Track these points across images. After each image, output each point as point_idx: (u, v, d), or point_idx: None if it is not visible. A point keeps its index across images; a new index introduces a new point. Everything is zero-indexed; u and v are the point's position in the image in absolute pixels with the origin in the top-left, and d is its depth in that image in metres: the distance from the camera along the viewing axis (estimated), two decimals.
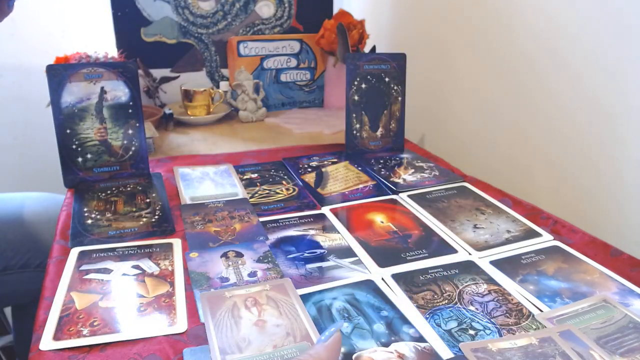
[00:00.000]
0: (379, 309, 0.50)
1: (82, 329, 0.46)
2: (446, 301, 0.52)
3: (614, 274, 0.57)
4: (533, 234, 0.66)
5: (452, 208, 0.72)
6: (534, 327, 0.48)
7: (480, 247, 0.62)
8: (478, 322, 0.49)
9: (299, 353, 0.42)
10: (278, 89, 1.24)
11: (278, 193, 0.76)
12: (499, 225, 0.68)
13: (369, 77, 0.91)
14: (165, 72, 1.17)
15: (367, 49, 1.23)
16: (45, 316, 0.48)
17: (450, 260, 0.59)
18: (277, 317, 0.48)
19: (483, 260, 0.60)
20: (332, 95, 1.26)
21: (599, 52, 0.73)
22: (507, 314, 0.50)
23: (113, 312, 0.49)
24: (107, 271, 0.55)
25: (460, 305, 0.51)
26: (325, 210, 0.72)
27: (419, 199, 0.75)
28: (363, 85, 0.91)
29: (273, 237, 0.64)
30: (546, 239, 0.65)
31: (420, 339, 0.46)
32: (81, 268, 0.56)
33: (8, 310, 1.12)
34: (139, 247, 0.60)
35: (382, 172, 0.84)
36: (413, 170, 0.85)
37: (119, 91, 0.77)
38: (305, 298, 0.51)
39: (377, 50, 1.22)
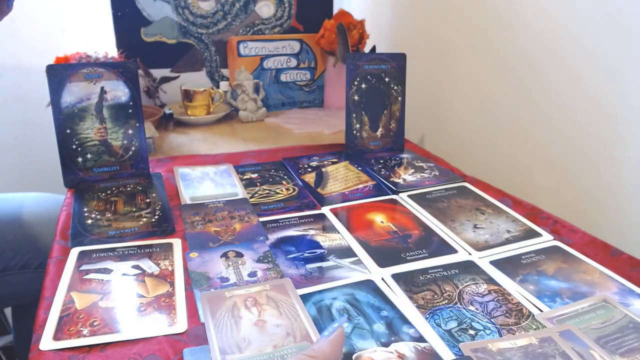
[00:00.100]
0: (379, 309, 0.50)
1: (82, 329, 0.46)
2: (446, 301, 0.52)
3: (614, 274, 0.57)
4: (533, 234, 0.66)
5: (452, 208, 0.73)
6: (534, 327, 0.48)
7: (480, 247, 0.62)
8: (478, 322, 0.49)
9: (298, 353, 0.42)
10: (278, 89, 1.24)
11: (278, 193, 0.76)
12: (499, 225, 0.68)
13: (369, 77, 0.91)
14: (165, 72, 1.17)
15: (367, 49, 1.23)
16: (45, 316, 0.48)
17: (450, 260, 0.59)
18: (277, 317, 0.48)
19: (483, 260, 0.60)
20: (332, 95, 1.26)
21: (599, 52, 0.73)
22: (507, 314, 0.50)
23: (113, 312, 0.49)
24: (107, 271, 0.55)
25: (460, 305, 0.51)
26: (325, 210, 0.72)
27: (419, 199, 0.75)
28: (363, 85, 0.91)
29: (273, 237, 0.64)
30: (546, 239, 0.65)
31: (420, 339, 0.46)
32: (81, 268, 0.56)
33: (8, 311, 1.12)
34: (139, 247, 0.60)
35: (382, 172, 0.84)
36: (413, 170, 0.85)
37: (119, 91, 0.77)
38: (305, 298, 0.51)
39: (377, 50, 1.22)
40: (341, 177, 0.83)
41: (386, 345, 0.45)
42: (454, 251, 0.62)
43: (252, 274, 0.56)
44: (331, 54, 1.22)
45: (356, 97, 0.91)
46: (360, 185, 0.80)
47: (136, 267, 0.56)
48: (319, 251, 0.61)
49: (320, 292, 0.53)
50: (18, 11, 1.24)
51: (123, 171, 0.79)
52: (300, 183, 0.80)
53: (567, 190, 0.82)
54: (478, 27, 0.98)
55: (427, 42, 1.15)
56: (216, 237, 0.63)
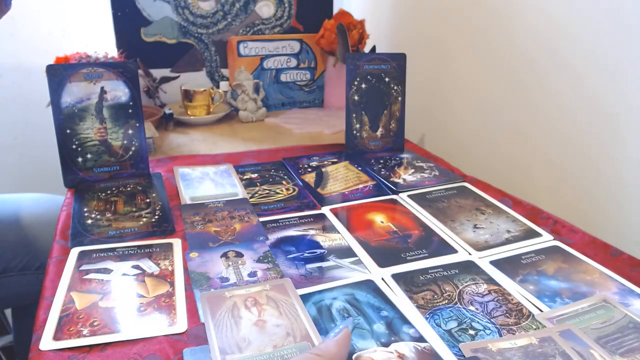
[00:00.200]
0: (379, 309, 0.50)
1: (82, 329, 0.46)
2: (446, 301, 0.52)
3: (614, 274, 0.57)
4: (533, 234, 0.66)
5: (452, 208, 0.73)
6: (534, 327, 0.48)
7: (480, 247, 0.62)
8: (478, 322, 0.49)
9: (298, 353, 0.42)
10: (278, 89, 1.24)
11: (278, 193, 0.76)
12: (499, 225, 0.68)
13: (369, 77, 0.91)
14: (165, 72, 1.17)
15: (367, 49, 1.23)
16: (45, 316, 0.48)
17: (450, 260, 0.59)
18: (277, 317, 0.48)
19: (483, 260, 0.60)
20: (332, 95, 1.27)
21: (599, 52, 0.73)
22: (507, 314, 0.50)
23: (113, 312, 0.49)
24: (107, 271, 0.55)
25: (460, 305, 0.51)
26: (325, 210, 0.72)
27: (419, 199, 0.75)
28: (363, 85, 0.91)
29: (273, 237, 0.64)
30: (546, 239, 0.65)
31: (420, 339, 0.46)
32: (81, 268, 0.56)
33: (8, 311, 1.12)
34: (139, 247, 0.60)
35: (382, 172, 0.84)
36: (413, 170, 0.85)
37: (119, 91, 0.77)
38: (305, 298, 0.51)
39: (377, 50, 1.22)
40: (341, 177, 0.83)
41: (386, 345, 0.45)
42: (454, 251, 0.62)
43: (252, 274, 0.56)
44: (331, 54, 1.22)
45: (356, 97, 0.91)
46: (360, 185, 0.80)
47: (136, 267, 0.56)
48: (319, 251, 0.61)
49: (320, 292, 0.53)
50: (18, 11, 1.24)
51: (123, 171, 0.79)
52: (300, 183, 0.80)
53: (567, 190, 0.82)
54: (478, 27, 0.98)
55: (427, 42, 1.15)
56: (216, 237, 0.63)
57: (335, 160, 0.90)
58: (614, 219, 0.74)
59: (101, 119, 0.76)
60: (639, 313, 0.50)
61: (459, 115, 1.07)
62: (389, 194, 0.77)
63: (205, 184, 0.78)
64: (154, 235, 0.63)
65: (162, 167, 0.85)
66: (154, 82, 1.16)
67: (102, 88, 0.76)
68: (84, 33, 1.29)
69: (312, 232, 0.65)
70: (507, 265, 0.59)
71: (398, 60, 0.93)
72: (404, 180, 0.81)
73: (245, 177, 0.82)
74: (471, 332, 0.47)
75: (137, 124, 0.78)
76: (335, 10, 1.24)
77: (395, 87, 0.94)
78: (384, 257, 0.60)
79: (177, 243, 0.62)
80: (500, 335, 0.47)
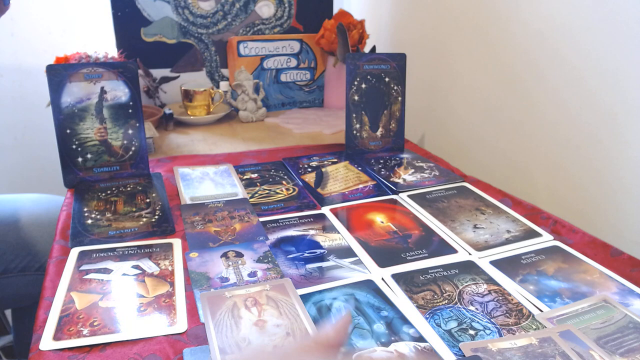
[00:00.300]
0: (379, 309, 0.50)
1: (82, 329, 0.46)
2: (446, 301, 0.52)
3: (614, 274, 0.57)
4: (533, 234, 0.66)
5: (452, 208, 0.73)
6: (534, 327, 0.48)
7: (480, 247, 0.62)
8: (478, 322, 0.49)
9: None
10: (278, 89, 1.24)
11: (278, 193, 0.76)
12: (499, 225, 0.68)
13: (369, 77, 0.91)
14: (165, 72, 1.17)
15: (367, 49, 1.23)
16: (45, 316, 0.48)
17: (450, 260, 0.59)
18: (277, 317, 0.48)
19: (483, 260, 0.60)
20: (332, 95, 1.27)
21: (599, 52, 0.73)
22: (507, 314, 0.50)
23: (113, 312, 0.49)
24: (107, 271, 0.55)
25: (460, 305, 0.51)
26: (325, 210, 0.72)
27: (419, 199, 0.75)
28: (363, 85, 0.91)
29: (273, 237, 0.64)
30: (546, 239, 0.65)
31: (420, 338, 0.46)
32: (81, 268, 0.56)
33: (8, 311, 1.12)
34: (139, 247, 0.60)
35: (382, 172, 0.84)
36: (413, 170, 0.85)
37: (119, 91, 0.77)
38: (305, 298, 0.51)
39: (377, 50, 1.22)
40: (341, 177, 0.83)
41: (386, 345, 0.45)
42: (454, 251, 0.62)
43: (252, 274, 0.56)
44: (331, 54, 1.22)
45: (356, 97, 0.91)
46: (360, 185, 0.80)
47: (136, 267, 0.56)
48: (319, 251, 0.61)
49: (320, 292, 0.53)
50: (18, 11, 1.24)
51: (123, 171, 0.79)
52: (300, 183, 0.80)
53: (567, 190, 0.82)
54: (478, 27, 0.98)
55: (427, 42, 1.15)
56: (216, 237, 0.63)
57: (335, 160, 0.90)
58: (614, 219, 0.74)
59: (101, 119, 0.76)
60: (639, 313, 0.50)
61: (459, 115, 1.07)
62: (389, 194, 0.77)
63: (205, 184, 0.78)
64: (154, 235, 0.63)
65: (162, 167, 0.85)
66: (154, 82, 1.16)
67: (102, 88, 0.76)
68: (84, 33, 1.29)
69: (312, 232, 0.65)
70: (507, 265, 0.59)
71: (398, 60, 0.93)
72: (404, 180, 0.81)
73: (245, 177, 0.82)
74: (471, 332, 0.47)
75: (137, 124, 0.78)
76: (335, 10, 1.24)
77: (395, 87, 0.94)
78: (384, 257, 0.60)
79: (177, 243, 0.62)
80: (500, 335, 0.47)
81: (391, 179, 0.81)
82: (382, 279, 0.56)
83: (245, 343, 0.44)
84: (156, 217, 0.67)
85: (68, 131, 0.75)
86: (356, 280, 0.55)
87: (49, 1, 1.26)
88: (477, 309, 0.51)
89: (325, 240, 0.63)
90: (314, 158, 0.90)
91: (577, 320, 0.49)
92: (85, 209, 0.69)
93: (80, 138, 0.76)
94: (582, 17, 0.75)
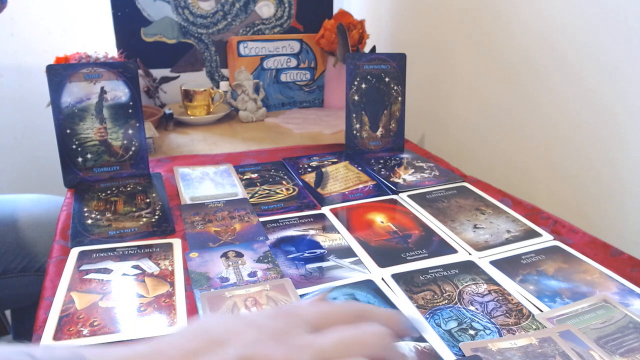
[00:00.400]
0: None
1: (82, 329, 0.46)
2: (446, 301, 0.52)
3: (614, 274, 0.57)
4: (533, 234, 0.66)
5: (452, 208, 0.73)
6: (534, 327, 0.48)
7: (480, 247, 0.62)
8: (478, 322, 0.49)
9: None
10: (278, 89, 1.24)
11: (278, 193, 0.76)
12: (499, 225, 0.68)
13: (369, 77, 0.91)
14: (165, 72, 1.17)
15: (367, 49, 1.23)
16: (45, 316, 0.48)
17: (450, 260, 0.59)
18: None
19: (483, 260, 0.60)
20: (332, 95, 1.27)
21: (599, 52, 0.73)
22: (507, 314, 0.50)
23: (113, 312, 0.49)
24: (107, 271, 0.55)
25: (460, 305, 0.51)
26: (325, 210, 0.72)
27: (419, 199, 0.75)
28: (363, 85, 0.91)
29: (273, 237, 0.64)
30: (546, 239, 0.65)
31: (420, 338, 0.46)
32: (81, 268, 0.56)
33: (8, 311, 1.12)
34: (139, 247, 0.60)
35: (382, 172, 0.84)
36: (413, 170, 0.85)
37: (119, 91, 0.77)
38: (305, 298, 0.51)
39: (377, 50, 1.22)
40: (341, 177, 0.83)
41: None
42: (454, 251, 0.62)
43: (252, 274, 0.56)
44: (331, 54, 1.22)
45: (356, 97, 0.91)
46: (360, 185, 0.80)
47: (136, 267, 0.56)
48: (319, 251, 0.61)
49: (320, 292, 0.53)
50: (18, 11, 1.24)
51: (123, 171, 0.79)
52: (300, 183, 0.80)
53: (567, 190, 0.82)
54: (478, 27, 0.98)
55: (427, 42, 1.15)
56: (216, 237, 0.63)
57: (335, 160, 0.90)
58: (614, 219, 0.74)
59: (101, 119, 0.76)
60: (639, 313, 0.50)
61: (459, 115, 1.07)
62: (389, 194, 0.77)
63: (205, 184, 0.78)
64: (154, 235, 0.63)
65: (162, 167, 0.85)
66: (154, 82, 1.16)
67: (102, 88, 0.76)
68: (84, 33, 1.29)
69: (312, 232, 0.65)
70: (507, 265, 0.59)
71: (398, 60, 0.93)
72: (404, 180, 0.81)
73: (245, 177, 0.82)
74: (471, 332, 0.47)
75: (137, 124, 0.78)
76: (335, 10, 1.24)
77: (395, 87, 0.94)
78: (384, 257, 0.60)
79: (177, 243, 0.62)
80: (500, 335, 0.47)
81: (391, 179, 0.81)
82: (382, 279, 0.56)
83: None
84: (156, 217, 0.67)
85: (68, 131, 0.75)
86: (356, 280, 0.55)
87: (49, 1, 1.26)
88: (477, 309, 0.51)
89: (325, 240, 0.63)
90: (314, 158, 0.90)
91: (577, 320, 0.49)
92: (85, 209, 0.69)
93: (80, 138, 0.76)
94: (582, 17, 0.75)
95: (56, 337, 0.45)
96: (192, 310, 0.50)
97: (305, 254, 0.60)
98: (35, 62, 1.25)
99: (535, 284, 0.55)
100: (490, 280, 0.56)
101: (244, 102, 1.14)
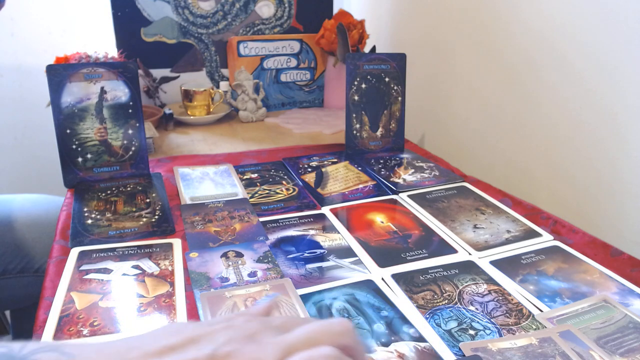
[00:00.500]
0: (379, 309, 0.50)
1: (82, 329, 0.46)
2: (446, 301, 0.52)
3: (614, 274, 0.57)
4: (533, 234, 0.66)
5: (452, 208, 0.73)
6: (534, 327, 0.48)
7: (480, 247, 0.62)
8: (478, 322, 0.49)
9: None
10: (278, 89, 1.24)
11: (278, 193, 0.76)
12: (499, 225, 0.68)
13: (369, 77, 0.91)
14: (165, 72, 1.17)
15: (367, 49, 1.23)
16: (45, 316, 0.48)
17: (450, 260, 0.59)
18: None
19: (483, 260, 0.60)
20: (332, 95, 1.27)
21: (599, 52, 0.73)
22: (507, 314, 0.50)
23: (113, 312, 0.49)
24: (107, 271, 0.55)
25: (460, 305, 0.51)
26: (325, 210, 0.72)
27: (419, 199, 0.75)
28: (363, 85, 0.91)
29: (273, 237, 0.64)
30: (546, 239, 0.65)
31: (420, 338, 0.46)
32: (81, 268, 0.56)
33: (8, 311, 1.12)
34: (139, 247, 0.60)
35: (382, 172, 0.84)
36: (413, 170, 0.85)
37: (119, 91, 0.77)
38: (305, 298, 0.51)
39: (377, 50, 1.22)
40: (341, 177, 0.83)
41: (386, 345, 0.45)
42: (454, 251, 0.62)
43: (252, 274, 0.56)
44: (331, 54, 1.22)
45: (356, 97, 0.91)
46: (360, 185, 0.80)
47: (136, 267, 0.56)
48: (319, 251, 0.61)
49: (320, 292, 0.53)
50: (18, 11, 1.24)
51: (123, 171, 0.79)
52: (300, 183, 0.80)
53: (567, 190, 0.82)
54: (478, 27, 0.98)
55: (427, 42, 1.15)
56: (216, 237, 0.63)
57: (335, 160, 0.90)
58: (614, 219, 0.74)
59: (101, 119, 0.76)
60: (639, 313, 0.50)
61: (459, 115, 1.07)
62: (389, 194, 0.77)
63: (205, 184, 0.78)
64: (154, 235, 0.63)
65: (162, 167, 0.85)
66: (154, 82, 1.16)
67: (102, 88, 0.76)
68: (84, 33, 1.29)
69: (312, 232, 0.65)
70: (507, 265, 0.59)
71: (398, 60, 0.93)
72: (404, 180, 0.81)
73: (245, 177, 0.82)
74: (471, 332, 0.47)
75: (137, 124, 0.78)
76: (335, 10, 1.24)
77: (395, 87, 0.94)
78: (384, 257, 0.60)
79: (177, 243, 0.62)
80: (500, 335, 0.47)
81: (391, 179, 0.81)
82: (382, 279, 0.56)
83: None
84: (156, 217, 0.67)
85: (68, 131, 0.75)
86: (356, 280, 0.55)
87: (49, 1, 1.26)
88: (477, 309, 0.51)
89: (325, 240, 0.63)
90: (314, 158, 0.90)
91: (577, 320, 0.49)
92: (85, 209, 0.69)
93: (80, 138, 0.76)
94: (582, 17, 0.75)
95: (56, 337, 0.45)
96: (192, 310, 0.50)
97: (305, 254, 0.60)
98: (35, 62, 1.25)
99: (535, 284, 0.55)
100: (490, 280, 0.56)
101: (244, 102, 1.14)
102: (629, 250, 0.62)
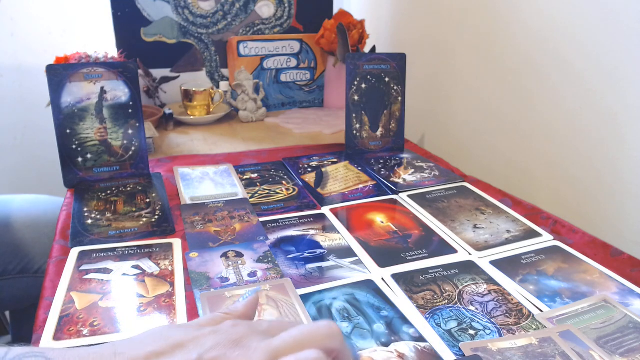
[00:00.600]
0: (379, 309, 0.50)
1: (82, 329, 0.46)
2: (446, 301, 0.52)
3: (614, 274, 0.57)
4: (533, 234, 0.66)
5: (452, 208, 0.73)
6: (534, 327, 0.48)
7: (480, 247, 0.62)
8: (478, 322, 0.49)
9: None
10: (278, 89, 1.24)
11: (278, 193, 0.76)
12: (499, 225, 0.68)
13: (369, 77, 0.91)
14: (165, 72, 1.17)
15: (367, 49, 1.23)
16: (45, 316, 0.48)
17: (450, 260, 0.59)
18: (277, 317, 0.48)
19: (483, 260, 0.60)
20: (332, 95, 1.27)
21: (599, 52, 0.73)
22: (507, 314, 0.50)
23: (113, 312, 0.49)
24: (107, 271, 0.55)
25: (460, 305, 0.51)
26: (325, 210, 0.72)
27: (419, 199, 0.75)
28: (363, 85, 0.91)
29: (273, 237, 0.64)
30: (546, 239, 0.65)
31: (420, 338, 0.46)
32: (81, 268, 0.56)
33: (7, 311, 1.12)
34: (139, 247, 0.60)
35: (382, 172, 0.84)
36: (413, 170, 0.85)
37: (119, 91, 0.77)
38: (305, 298, 0.51)
39: (377, 50, 1.22)
40: (341, 177, 0.83)
41: (386, 345, 0.45)
42: (454, 251, 0.62)
43: (252, 274, 0.56)
44: (331, 54, 1.22)
45: (356, 97, 0.91)
46: (360, 185, 0.80)
47: (136, 267, 0.56)
48: (319, 251, 0.61)
49: (320, 292, 0.53)
50: (18, 11, 1.24)
51: (123, 171, 0.79)
52: (300, 183, 0.80)
53: (567, 190, 0.82)
54: (478, 27, 0.98)
55: (427, 42, 1.15)
56: (216, 237, 0.63)
57: (335, 160, 0.90)
58: (614, 219, 0.74)
59: (101, 119, 0.76)
60: (639, 313, 0.50)
61: (459, 115, 1.07)
62: (389, 194, 0.77)
63: (205, 184, 0.78)
64: (154, 235, 0.63)
65: (162, 167, 0.85)
66: (154, 82, 1.16)
67: (102, 88, 0.76)
68: (84, 33, 1.29)
69: (312, 232, 0.65)
70: (507, 265, 0.59)
71: (398, 60, 0.93)
72: (404, 180, 0.81)
73: (245, 177, 0.82)
74: (471, 332, 0.47)
75: (137, 124, 0.78)
76: (335, 10, 1.24)
77: (395, 87, 0.94)
78: (384, 257, 0.60)
79: (177, 243, 0.62)
80: (500, 335, 0.47)
81: (391, 179, 0.81)
82: (382, 279, 0.56)
83: None
84: (156, 217, 0.67)
85: (68, 131, 0.75)
86: (356, 280, 0.55)
87: (49, 1, 1.26)
88: (477, 309, 0.51)
89: (325, 240, 0.63)
90: (314, 158, 0.90)
91: (577, 320, 0.49)
92: (85, 209, 0.69)
93: (80, 138, 0.76)
94: (582, 17, 0.75)
95: (56, 337, 0.45)
96: (192, 310, 0.50)
97: (305, 254, 0.60)
98: (35, 62, 1.25)
99: (535, 284, 0.55)
100: (490, 280, 0.56)
101: (244, 102, 1.14)
102: (629, 250, 0.62)
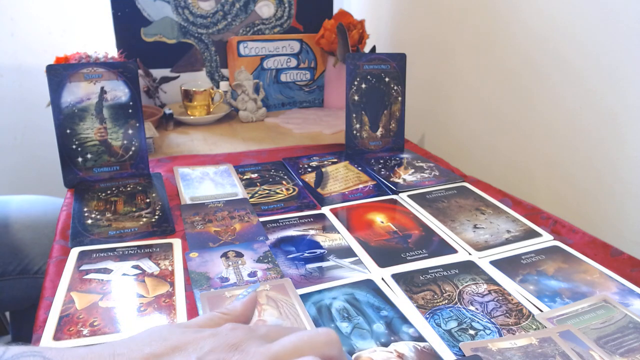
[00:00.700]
0: (378, 309, 0.50)
1: (82, 329, 0.46)
2: (446, 301, 0.52)
3: (614, 274, 0.57)
4: (533, 234, 0.66)
5: (452, 208, 0.73)
6: (534, 327, 0.48)
7: (480, 247, 0.62)
8: (478, 322, 0.49)
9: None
10: (278, 89, 1.24)
11: (278, 193, 0.76)
12: (499, 225, 0.68)
13: (369, 77, 0.91)
14: (165, 72, 1.17)
15: (367, 49, 1.24)
16: (45, 316, 0.48)
17: (450, 260, 0.59)
18: (277, 317, 0.48)
19: (483, 260, 0.60)
20: (332, 95, 1.27)
21: (599, 52, 0.73)
22: (507, 314, 0.50)
23: (113, 312, 0.49)
24: (107, 271, 0.55)
25: (460, 305, 0.51)
26: (325, 210, 0.72)
27: (419, 199, 0.75)
28: (363, 85, 0.91)
29: (273, 237, 0.64)
30: (546, 239, 0.65)
31: (420, 338, 0.46)
32: (81, 268, 0.56)
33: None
34: (139, 247, 0.60)
35: (382, 172, 0.84)
36: (413, 170, 0.85)
37: (119, 91, 0.77)
38: (305, 298, 0.51)
39: (377, 50, 1.22)
40: (341, 177, 0.83)
41: (386, 345, 0.45)
42: (454, 251, 0.62)
43: (252, 274, 0.56)
44: (331, 54, 1.22)
45: (356, 97, 0.91)
46: (360, 185, 0.80)
47: (136, 267, 0.56)
48: (319, 251, 0.61)
49: (320, 292, 0.53)
50: (18, 11, 1.24)
51: (123, 171, 0.79)
52: (300, 183, 0.80)
53: (567, 190, 0.82)
54: (478, 27, 0.98)
55: (427, 42, 1.15)
56: (216, 237, 0.63)
57: (335, 160, 0.90)
58: (614, 219, 0.74)
59: (101, 119, 0.76)
60: (639, 313, 0.50)
61: (459, 115, 1.07)
62: (389, 194, 0.77)
63: (205, 184, 0.78)
64: (154, 235, 0.63)
65: (162, 167, 0.85)
66: (154, 82, 1.16)
67: (102, 88, 0.76)
68: (84, 33, 1.29)
69: (312, 232, 0.65)
70: (507, 265, 0.59)
71: (398, 60, 0.93)
72: (404, 180, 0.81)
73: (245, 177, 0.82)
74: (471, 332, 0.47)
75: (137, 124, 0.78)
76: (335, 10, 1.24)
77: (395, 87, 0.94)
78: (384, 257, 0.60)
79: (177, 243, 0.62)
80: (500, 335, 0.47)
81: (391, 179, 0.81)
82: (382, 279, 0.56)
83: None
84: (156, 217, 0.67)
85: (68, 131, 0.75)
86: (356, 280, 0.55)
87: (49, 1, 1.26)
88: (477, 309, 0.51)
89: (325, 240, 0.63)
90: (314, 158, 0.90)
91: (577, 320, 0.49)
92: (85, 209, 0.69)
93: (80, 138, 0.76)
94: (582, 17, 0.75)
95: (56, 337, 0.45)
96: (192, 310, 0.50)
97: (305, 254, 0.60)
98: (35, 62, 1.25)
99: (535, 284, 0.55)
100: (490, 280, 0.56)
101: (244, 102, 1.14)
102: (629, 250, 0.62)
